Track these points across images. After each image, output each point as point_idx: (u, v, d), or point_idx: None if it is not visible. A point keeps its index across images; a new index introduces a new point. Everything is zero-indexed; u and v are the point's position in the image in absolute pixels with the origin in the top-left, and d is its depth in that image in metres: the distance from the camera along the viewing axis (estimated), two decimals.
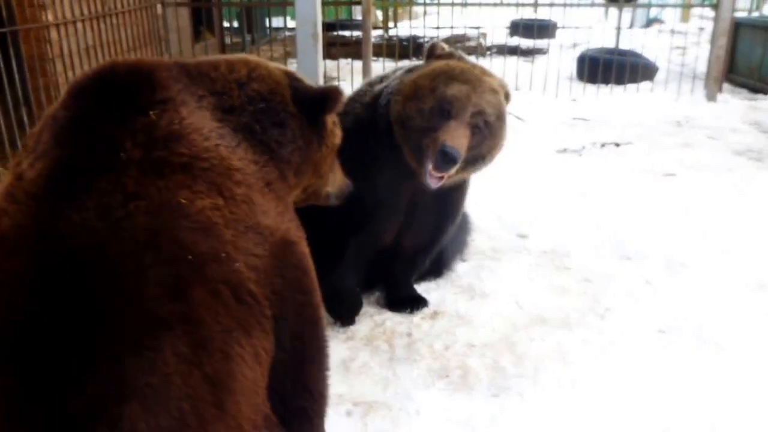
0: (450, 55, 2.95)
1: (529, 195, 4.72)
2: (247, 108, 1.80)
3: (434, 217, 3.18)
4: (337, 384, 2.67)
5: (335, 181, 2.30)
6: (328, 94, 1.96)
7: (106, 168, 1.43)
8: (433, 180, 2.72)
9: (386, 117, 2.84)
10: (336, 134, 2.14)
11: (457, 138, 2.64)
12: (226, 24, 11.61)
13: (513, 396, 2.63)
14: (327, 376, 1.87)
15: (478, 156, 2.83)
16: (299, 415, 1.77)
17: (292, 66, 3.02)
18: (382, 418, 2.50)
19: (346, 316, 3.13)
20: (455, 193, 3.17)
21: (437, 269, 3.51)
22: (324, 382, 1.85)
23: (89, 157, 1.45)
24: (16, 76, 4.82)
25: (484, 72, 2.88)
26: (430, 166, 2.68)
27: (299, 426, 1.77)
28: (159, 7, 7.56)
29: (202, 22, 10.12)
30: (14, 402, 1.26)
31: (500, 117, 2.81)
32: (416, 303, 3.26)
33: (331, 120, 2.10)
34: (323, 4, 6.54)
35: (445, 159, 2.60)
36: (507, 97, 2.92)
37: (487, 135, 2.77)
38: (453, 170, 2.71)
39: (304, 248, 1.78)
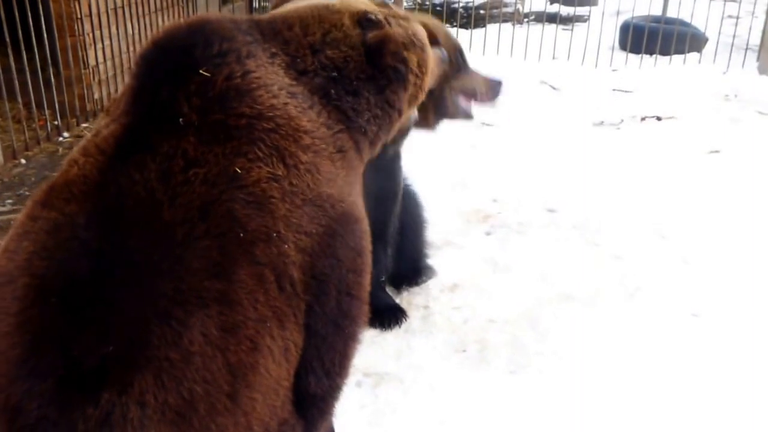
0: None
1: (560, 168, 4.50)
2: (321, 73, 1.69)
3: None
4: None
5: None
6: (379, 42, 1.74)
7: (167, 133, 1.44)
8: None
9: None
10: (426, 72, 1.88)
11: None
12: None
13: (532, 374, 2.52)
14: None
15: None
16: (332, 391, 1.67)
17: None
18: (393, 390, 2.42)
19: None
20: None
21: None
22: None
23: (151, 124, 1.46)
24: (45, 36, 4.79)
25: None
26: None
27: (327, 405, 1.69)
28: None
29: None
30: (36, 339, 1.24)
31: None
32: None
33: (416, 58, 1.82)
34: None
35: None
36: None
37: None
38: None
39: (367, 227, 1.69)
